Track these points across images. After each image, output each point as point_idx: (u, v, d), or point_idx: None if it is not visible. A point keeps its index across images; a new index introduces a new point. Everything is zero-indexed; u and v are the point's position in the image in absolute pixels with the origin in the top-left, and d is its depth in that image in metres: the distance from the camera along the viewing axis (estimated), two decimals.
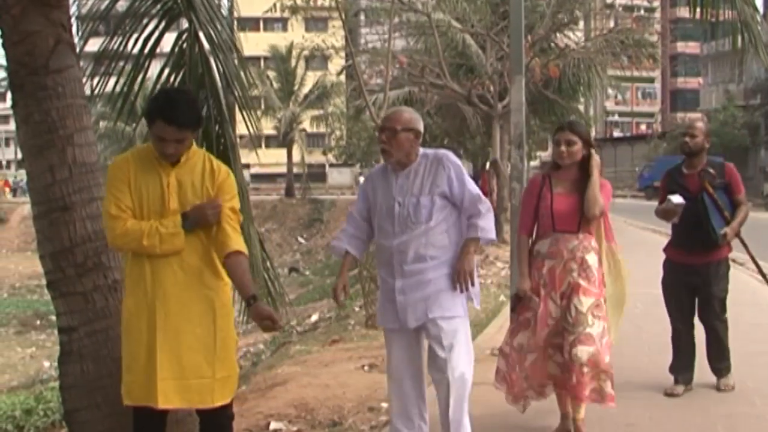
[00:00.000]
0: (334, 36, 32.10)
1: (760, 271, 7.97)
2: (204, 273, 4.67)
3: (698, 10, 7.87)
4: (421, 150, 5.29)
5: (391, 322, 5.28)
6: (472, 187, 5.19)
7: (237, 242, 4.70)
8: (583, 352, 5.68)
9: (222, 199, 4.73)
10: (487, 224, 5.15)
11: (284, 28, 62.77)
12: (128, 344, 4.68)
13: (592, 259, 5.87)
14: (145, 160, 4.68)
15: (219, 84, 6.56)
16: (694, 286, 7.49)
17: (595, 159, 5.89)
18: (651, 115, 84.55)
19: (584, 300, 5.75)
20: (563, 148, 5.87)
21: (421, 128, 5.29)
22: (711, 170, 7.32)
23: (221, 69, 6.61)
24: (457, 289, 5.10)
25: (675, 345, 7.66)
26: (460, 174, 5.17)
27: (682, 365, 7.55)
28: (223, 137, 6.54)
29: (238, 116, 6.95)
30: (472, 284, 5.14)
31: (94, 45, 6.51)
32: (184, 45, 6.58)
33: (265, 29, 71.24)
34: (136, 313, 4.62)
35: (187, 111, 4.56)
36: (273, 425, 7.32)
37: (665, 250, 7.84)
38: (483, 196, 5.24)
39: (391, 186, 5.23)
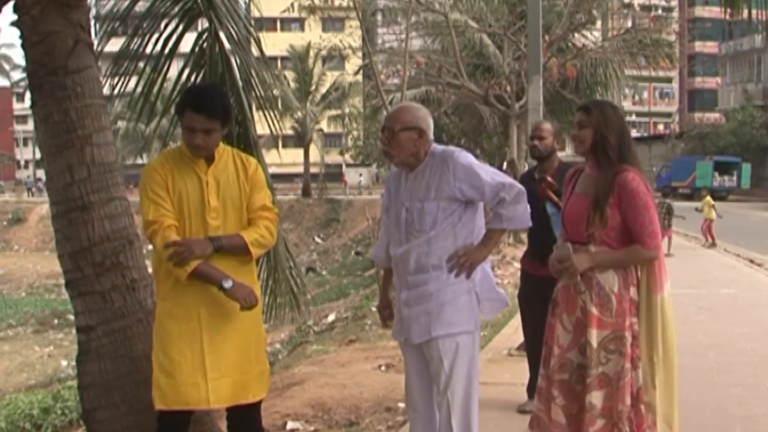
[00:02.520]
0: (351, 36, 32.15)
1: None
2: (240, 272, 4.66)
3: (727, 9, 7.58)
4: (433, 147, 4.77)
5: (399, 334, 4.95)
6: (492, 178, 4.63)
7: (249, 234, 4.65)
8: (597, 398, 4.57)
9: (254, 198, 4.74)
10: (513, 212, 4.64)
11: (301, 28, 62.82)
12: (167, 347, 4.55)
13: (608, 279, 4.59)
14: (179, 163, 4.64)
15: (239, 83, 6.58)
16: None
17: (574, 261, 4.57)
18: (668, 115, 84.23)
19: (596, 333, 4.58)
20: (574, 131, 4.81)
21: (426, 125, 4.72)
22: (549, 178, 6.57)
23: (241, 68, 6.63)
24: (454, 272, 4.66)
25: (530, 362, 6.89)
26: (471, 169, 4.64)
27: None
28: (244, 137, 6.56)
29: (257, 116, 6.96)
30: (467, 276, 4.67)
31: (112, 45, 6.54)
32: (204, 44, 6.60)
33: (282, 29, 71.37)
34: (176, 315, 4.54)
35: (216, 100, 4.54)
36: (290, 425, 7.32)
37: (521, 261, 7.26)
38: (509, 182, 4.66)
39: (401, 189, 4.80)
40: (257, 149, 6.57)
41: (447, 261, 4.67)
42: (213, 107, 4.50)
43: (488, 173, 4.67)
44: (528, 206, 4.72)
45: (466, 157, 4.72)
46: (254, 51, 7.01)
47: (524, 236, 18.31)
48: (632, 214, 4.54)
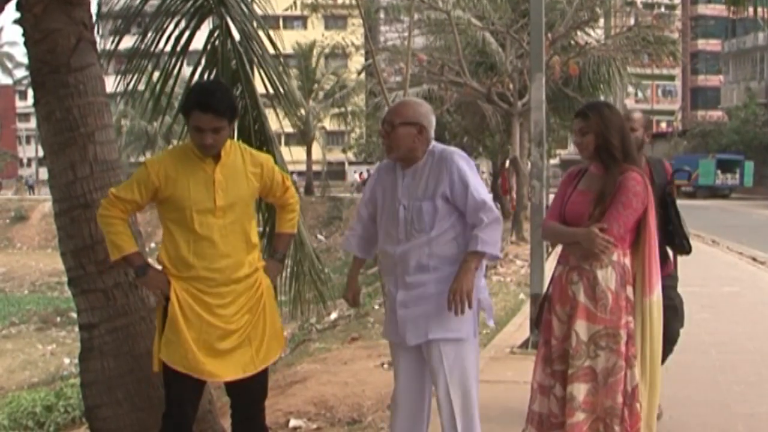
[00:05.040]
0: (353, 34, 32.12)
1: None
2: (249, 254, 4.66)
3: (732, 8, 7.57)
4: (432, 145, 4.71)
5: (393, 334, 4.84)
6: (477, 192, 4.56)
7: (291, 225, 5.06)
8: (579, 390, 4.57)
9: (274, 185, 4.83)
10: (490, 236, 4.51)
11: (304, 26, 62.78)
12: (186, 327, 4.53)
13: (604, 275, 4.60)
14: (185, 160, 4.59)
15: (253, 79, 6.59)
16: None
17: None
18: (671, 113, 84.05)
19: (586, 326, 4.59)
20: (577, 138, 4.84)
21: (427, 122, 4.65)
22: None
23: (254, 64, 6.65)
24: (452, 310, 4.49)
25: None
26: (464, 175, 4.58)
27: None
28: (260, 132, 6.56)
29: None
30: (470, 306, 4.48)
31: (117, 43, 6.54)
32: (216, 42, 6.59)
33: (284, 27, 71.34)
34: (188, 297, 4.53)
35: (223, 98, 4.51)
36: (293, 422, 7.33)
37: None
38: (490, 204, 4.59)
39: (398, 186, 4.71)
40: (275, 144, 6.60)
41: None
42: (220, 106, 4.47)
43: (478, 185, 4.64)
44: (500, 239, 4.65)
45: (467, 161, 4.70)
46: (259, 48, 7.02)
47: (527, 234, 18.30)
48: (612, 203, 4.58)
